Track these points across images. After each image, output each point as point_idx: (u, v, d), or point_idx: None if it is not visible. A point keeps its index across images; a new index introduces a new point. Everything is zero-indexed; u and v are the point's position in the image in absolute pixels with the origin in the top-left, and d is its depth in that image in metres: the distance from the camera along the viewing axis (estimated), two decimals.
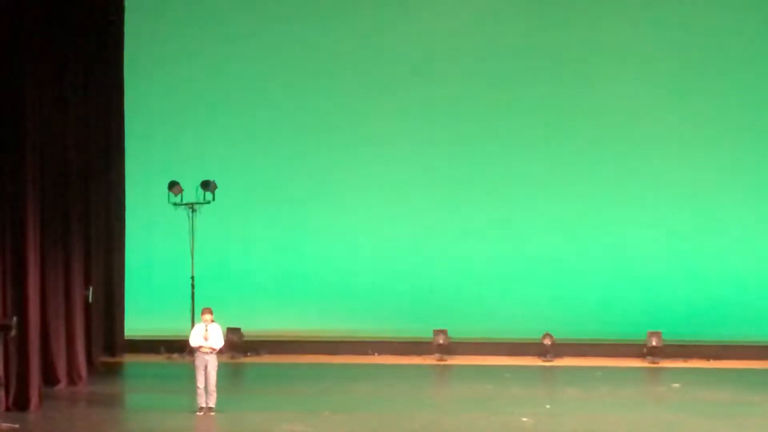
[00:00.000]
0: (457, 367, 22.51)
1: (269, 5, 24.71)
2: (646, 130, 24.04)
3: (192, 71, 24.60)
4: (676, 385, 20.38)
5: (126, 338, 23.35)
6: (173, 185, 23.02)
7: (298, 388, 19.92)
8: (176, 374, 21.03)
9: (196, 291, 22.76)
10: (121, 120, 23.38)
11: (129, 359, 22.96)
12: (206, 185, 22.97)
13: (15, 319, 16.94)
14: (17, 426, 16.20)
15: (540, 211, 24.14)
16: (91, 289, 21.34)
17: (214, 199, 23.05)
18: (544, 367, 22.47)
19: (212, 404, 17.22)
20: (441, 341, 22.92)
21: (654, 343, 22.59)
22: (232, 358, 22.50)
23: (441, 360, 22.81)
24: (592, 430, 16.39)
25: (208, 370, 17.19)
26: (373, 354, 23.43)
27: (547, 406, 18.16)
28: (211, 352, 17.26)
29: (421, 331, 23.30)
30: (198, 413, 17.20)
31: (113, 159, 23.04)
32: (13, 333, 16.82)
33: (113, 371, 22.02)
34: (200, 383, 17.19)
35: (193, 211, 23.11)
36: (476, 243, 24.21)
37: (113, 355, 22.86)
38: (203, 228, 23.23)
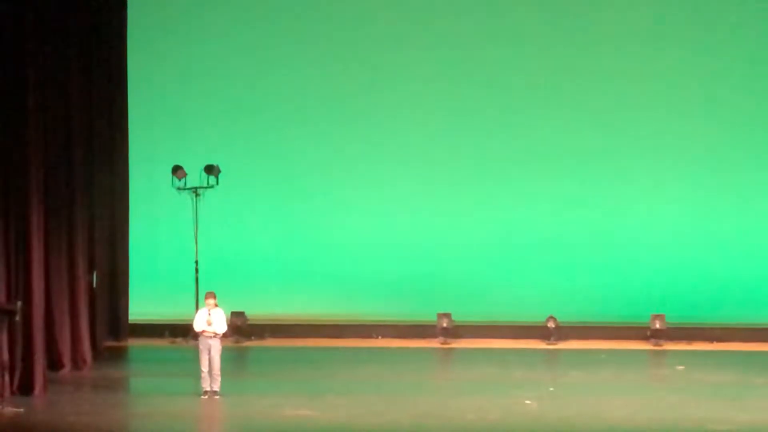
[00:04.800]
0: (461, 350, 22.52)
1: None
2: (649, 115, 23.99)
3: (196, 55, 24.56)
4: (680, 367, 20.38)
5: (130, 322, 23.32)
6: (177, 169, 23.00)
7: (302, 371, 19.94)
8: (180, 358, 21.06)
9: (200, 275, 22.76)
10: (124, 104, 23.34)
11: (133, 343, 22.97)
12: (210, 169, 22.96)
13: (19, 303, 16.94)
14: (22, 410, 16.23)
15: (544, 194, 24.10)
16: (95, 273, 21.38)
17: (218, 184, 23.04)
18: (547, 349, 22.48)
19: (216, 388, 17.24)
20: (445, 324, 22.93)
21: (658, 326, 22.59)
22: (237, 341, 22.52)
23: (445, 343, 22.82)
24: (596, 413, 16.39)
25: (211, 354, 17.21)
26: (377, 337, 23.44)
27: (551, 389, 18.17)
28: (214, 337, 17.28)
29: (425, 314, 23.30)
30: (202, 397, 17.23)
31: (117, 143, 23.02)
32: (17, 318, 16.82)
33: (118, 355, 22.05)
34: (204, 367, 17.22)
35: (197, 195, 23.08)
36: (480, 226, 24.19)
37: (117, 339, 22.87)
38: (207, 212, 23.22)
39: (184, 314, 21.83)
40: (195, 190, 23.09)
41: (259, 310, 23.49)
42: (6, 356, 16.72)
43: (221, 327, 17.38)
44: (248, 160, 24.45)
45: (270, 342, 23.21)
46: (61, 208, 19.53)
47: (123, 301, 23.17)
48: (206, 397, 17.24)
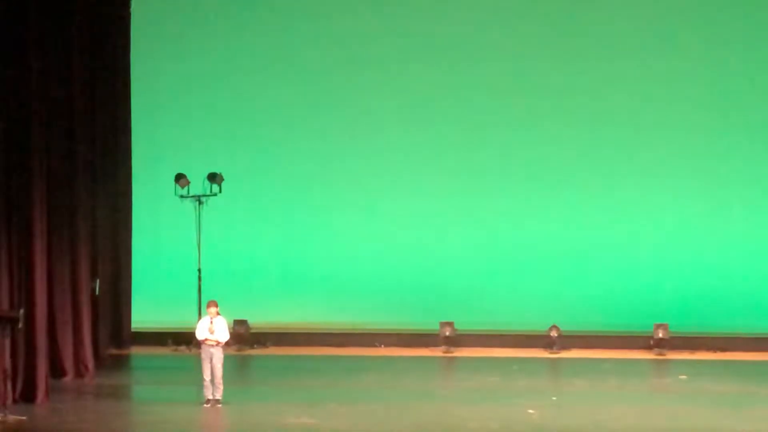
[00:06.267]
0: (463, 359, 22.51)
1: None
2: (651, 119, 24.02)
3: (200, 63, 24.61)
4: (683, 376, 20.37)
5: (133, 330, 23.38)
6: (180, 177, 23.04)
7: (304, 380, 19.93)
8: (183, 366, 21.06)
9: (202, 283, 22.77)
10: (127, 112, 23.40)
11: (136, 351, 22.99)
12: (213, 177, 22.98)
13: (21, 311, 16.92)
14: (24, 418, 16.21)
15: (547, 203, 24.14)
16: (97, 281, 21.37)
17: (220, 192, 23.06)
18: (550, 359, 22.46)
19: (219, 396, 17.23)
20: (447, 333, 22.91)
21: (661, 335, 22.57)
22: (239, 350, 22.51)
23: (447, 352, 22.81)
24: (598, 422, 16.36)
25: (213, 362, 17.19)
26: (380, 346, 23.44)
27: (554, 398, 18.15)
28: (216, 345, 17.27)
29: (428, 323, 23.29)
30: (205, 405, 17.21)
31: (120, 150, 23.05)
32: (19, 325, 16.80)
33: (120, 363, 22.06)
34: (206, 376, 17.20)
35: (200, 203, 23.11)
36: (483, 235, 24.21)
37: (120, 347, 22.89)
38: (210, 220, 23.25)
39: (186, 322, 21.83)
40: (198, 199, 23.12)
41: (261, 318, 23.50)
42: (8, 364, 16.72)
43: (223, 335, 17.37)
44: (251, 169, 24.49)
45: (272, 350, 23.21)
46: (63, 215, 19.54)
47: (125, 308, 23.19)
48: (208, 405, 17.22)
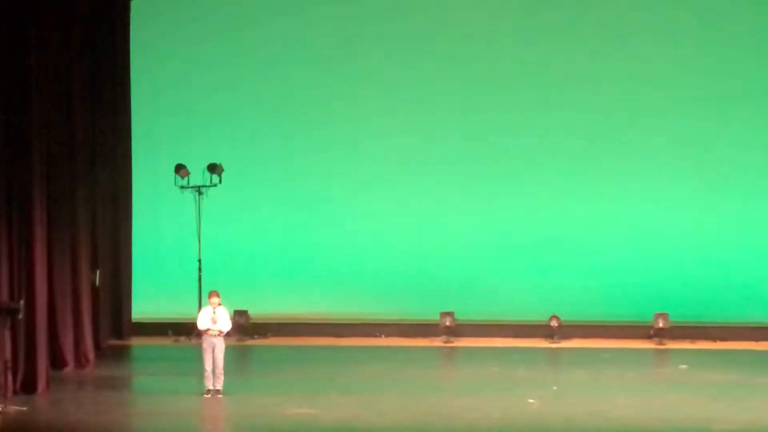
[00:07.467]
0: (463, 349, 22.52)
1: None
2: (651, 109, 24.00)
3: (199, 53, 24.57)
4: (683, 366, 20.38)
5: (133, 321, 23.38)
6: (180, 168, 23.03)
7: (305, 370, 19.93)
8: (183, 357, 21.06)
9: (203, 274, 22.77)
10: (127, 102, 23.37)
11: (136, 342, 22.99)
12: (213, 168, 22.99)
13: (22, 302, 16.95)
14: (25, 409, 16.23)
15: (547, 193, 24.11)
16: (98, 272, 21.38)
17: (221, 182, 23.06)
18: (550, 348, 22.47)
19: (219, 387, 17.24)
20: (448, 323, 22.91)
21: (661, 325, 22.57)
22: (240, 340, 22.52)
23: (448, 342, 22.82)
24: (598, 412, 16.37)
25: (215, 352, 17.20)
26: (380, 336, 23.44)
27: (554, 388, 18.16)
28: (218, 335, 17.28)
29: (428, 313, 23.29)
30: (205, 396, 17.22)
31: (120, 141, 23.04)
32: (20, 316, 16.82)
33: (120, 354, 22.07)
34: (208, 366, 17.20)
35: (200, 194, 23.11)
36: (483, 224, 24.20)
37: (120, 338, 22.89)
38: (210, 211, 23.24)
39: (186, 313, 21.85)
40: (198, 189, 23.12)
41: (261, 308, 23.49)
42: (9, 355, 16.73)
43: (226, 325, 17.38)
44: (251, 159, 24.47)
45: (273, 341, 23.22)
46: (63, 206, 19.54)
47: (126, 299, 23.19)
48: (209, 395, 17.23)
